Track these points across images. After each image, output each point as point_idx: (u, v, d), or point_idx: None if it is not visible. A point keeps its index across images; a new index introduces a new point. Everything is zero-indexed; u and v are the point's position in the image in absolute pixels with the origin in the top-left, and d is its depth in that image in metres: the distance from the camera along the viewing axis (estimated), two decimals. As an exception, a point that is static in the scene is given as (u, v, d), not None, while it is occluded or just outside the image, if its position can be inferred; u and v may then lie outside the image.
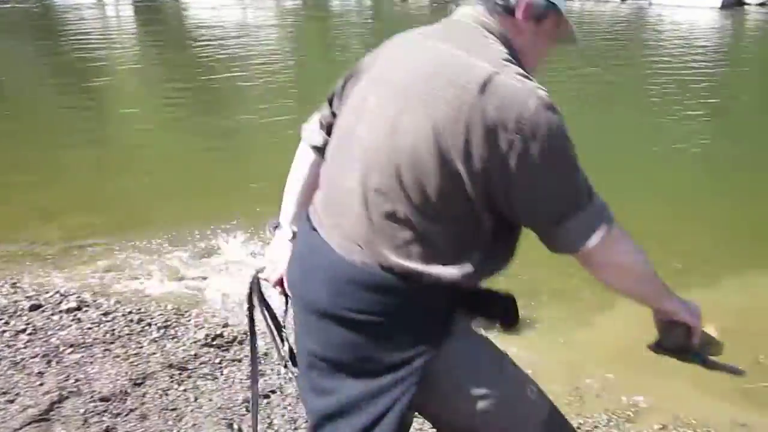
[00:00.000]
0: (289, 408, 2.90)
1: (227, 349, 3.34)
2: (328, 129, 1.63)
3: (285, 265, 1.69)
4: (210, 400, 2.93)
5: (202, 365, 3.19)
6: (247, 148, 7.43)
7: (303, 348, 1.54)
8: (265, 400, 2.94)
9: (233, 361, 3.24)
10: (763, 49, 14.42)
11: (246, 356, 3.28)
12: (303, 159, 1.74)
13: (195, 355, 3.26)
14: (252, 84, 10.21)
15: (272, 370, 3.17)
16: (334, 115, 1.62)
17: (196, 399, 2.93)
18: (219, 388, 3.02)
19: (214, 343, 3.37)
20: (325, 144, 1.64)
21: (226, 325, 3.57)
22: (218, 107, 8.97)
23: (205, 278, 4.31)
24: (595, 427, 2.92)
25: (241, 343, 3.41)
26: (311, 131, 1.70)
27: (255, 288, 1.84)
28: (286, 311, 1.85)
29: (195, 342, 3.37)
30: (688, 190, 6.18)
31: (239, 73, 10.80)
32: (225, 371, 3.16)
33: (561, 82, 10.29)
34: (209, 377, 3.11)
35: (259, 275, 1.82)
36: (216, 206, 5.43)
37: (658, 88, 9.75)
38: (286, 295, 1.79)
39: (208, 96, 9.65)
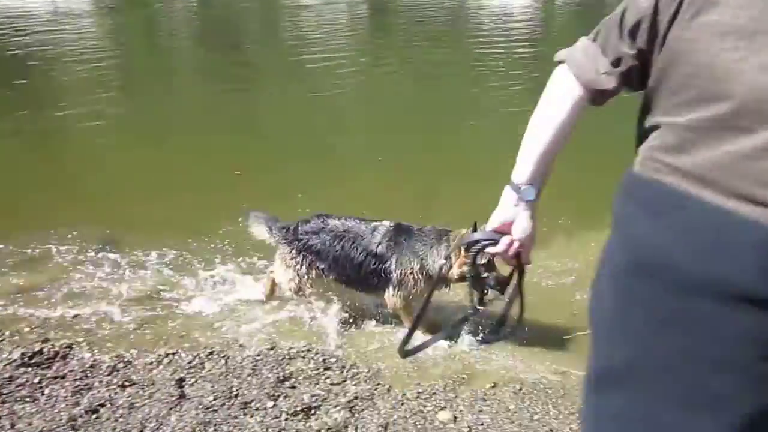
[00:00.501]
0: (120, 420, 2.73)
1: (48, 367, 3.08)
2: (628, 72, 1.34)
3: (523, 237, 1.51)
4: (30, 424, 2.69)
5: (19, 387, 2.91)
6: (66, 147, 6.87)
7: (643, 352, 1.23)
8: (94, 416, 2.75)
9: (55, 378, 3.00)
10: (571, 24, 15.71)
11: (70, 371, 3.06)
12: (566, 100, 1.42)
13: (10, 377, 2.96)
14: (69, 78, 9.43)
15: (100, 382, 2.97)
16: (639, 54, 1.30)
17: (12, 425, 2.67)
18: (40, 410, 2.78)
19: (33, 361, 3.09)
20: (616, 90, 1.37)
21: (45, 341, 3.29)
22: (31, 105, 8.17)
23: (20, 293, 3.92)
24: (433, 393, 3.04)
25: (64, 357, 3.16)
26: (595, 70, 1.37)
27: (472, 260, 1.64)
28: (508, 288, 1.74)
29: (9, 363, 3.06)
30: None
31: (53, 67, 9.93)
32: (46, 390, 2.91)
33: (392, 63, 10.58)
34: (28, 399, 2.85)
35: (488, 249, 1.59)
36: (35, 211, 4.98)
37: (482, 65, 10.29)
38: (521, 272, 1.63)
39: (16, 94, 8.76)
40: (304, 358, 3.24)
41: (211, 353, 3.24)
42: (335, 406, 2.89)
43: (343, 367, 3.20)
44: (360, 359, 3.31)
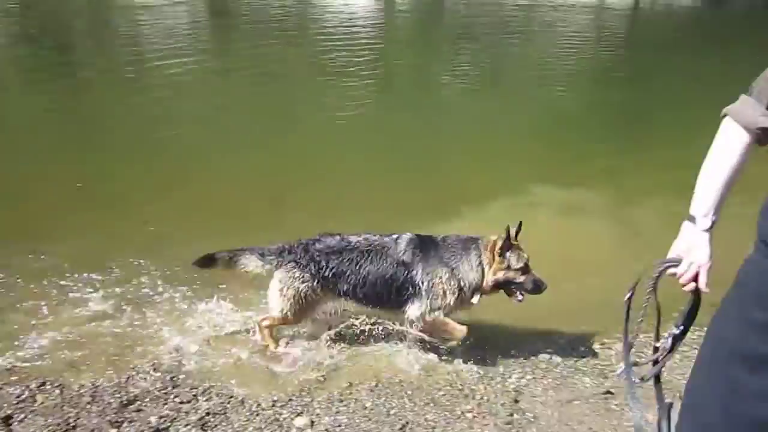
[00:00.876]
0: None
1: None
2: None
3: (700, 259, 1.75)
4: None
5: None
6: None
7: None
8: None
9: None
10: (412, 25, 16.23)
11: None
12: (735, 143, 1.70)
13: None
14: None
15: None
16: None
17: None
18: None
19: None
20: None
21: None
22: None
23: None
24: (289, 400, 2.99)
25: None
26: (753, 113, 1.66)
27: (654, 280, 1.88)
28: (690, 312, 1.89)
29: None
30: (363, 155, 6.55)
31: None
32: None
33: (234, 64, 10.31)
34: None
35: (670, 270, 1.82)
36: None
37: (327, 65, 10.34)
38: (697, 295, 1.83)
39: None
40: (149, 378, 3.06)
41: (43, 384, 2.96)
42: (186, 426, 2.75)
43: (193, 383, 3.06)
44: (211, 374, 3.16)
